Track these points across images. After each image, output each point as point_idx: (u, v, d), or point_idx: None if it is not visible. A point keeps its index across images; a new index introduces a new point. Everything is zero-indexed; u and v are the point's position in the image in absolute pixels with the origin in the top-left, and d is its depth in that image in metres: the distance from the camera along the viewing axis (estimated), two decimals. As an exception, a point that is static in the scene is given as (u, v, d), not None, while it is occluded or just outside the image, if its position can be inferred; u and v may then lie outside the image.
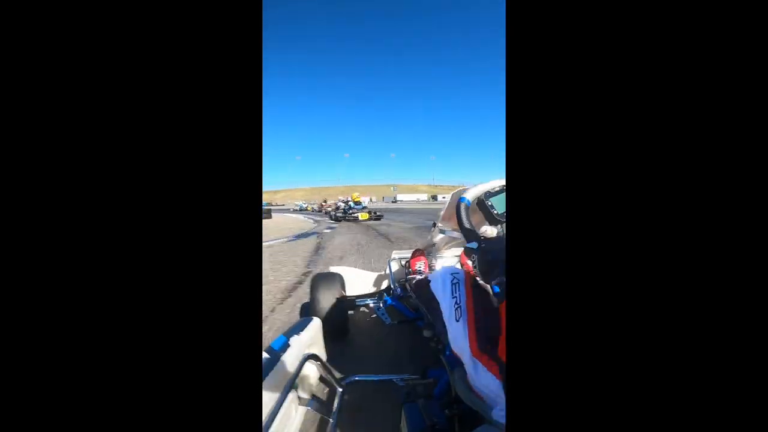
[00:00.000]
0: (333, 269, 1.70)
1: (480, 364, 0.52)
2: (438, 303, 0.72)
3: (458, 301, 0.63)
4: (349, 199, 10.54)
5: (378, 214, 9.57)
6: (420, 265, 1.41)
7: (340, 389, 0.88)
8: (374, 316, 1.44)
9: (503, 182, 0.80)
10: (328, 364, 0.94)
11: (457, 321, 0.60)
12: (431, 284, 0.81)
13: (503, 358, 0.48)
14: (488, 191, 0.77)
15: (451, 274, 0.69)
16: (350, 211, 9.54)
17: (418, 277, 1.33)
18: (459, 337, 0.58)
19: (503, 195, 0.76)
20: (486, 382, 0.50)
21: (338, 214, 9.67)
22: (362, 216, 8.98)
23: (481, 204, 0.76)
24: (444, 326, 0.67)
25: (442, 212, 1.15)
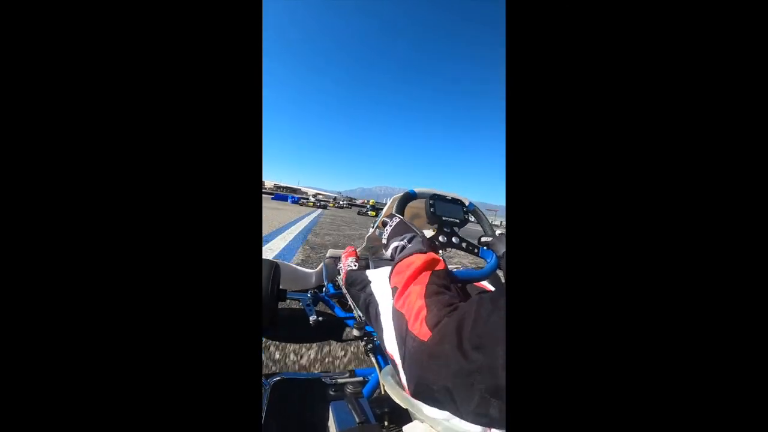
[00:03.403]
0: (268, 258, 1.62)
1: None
2: (377, 304, 0.75)
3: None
4: (368, 203, 22.07)
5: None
6: (350, 261, 1.42)
7: (266, 388, 0.86)
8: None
9: (456, 195, 0.89)
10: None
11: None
12: (371, 285, 0.83)
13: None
14: (437, 194, 0.84)
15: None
16: (366, 209, 18.99)
17: (347, 268, 1.33)
18: (392, 335, 0.60)
19: (449, 204, 0.84)
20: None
21: (362, 211, 18.48)
22: (371, 213, 18.29)
23: (426, 203, 0.83)
24: (379, 324, 0.70)
25: (383, 211, 1.18)
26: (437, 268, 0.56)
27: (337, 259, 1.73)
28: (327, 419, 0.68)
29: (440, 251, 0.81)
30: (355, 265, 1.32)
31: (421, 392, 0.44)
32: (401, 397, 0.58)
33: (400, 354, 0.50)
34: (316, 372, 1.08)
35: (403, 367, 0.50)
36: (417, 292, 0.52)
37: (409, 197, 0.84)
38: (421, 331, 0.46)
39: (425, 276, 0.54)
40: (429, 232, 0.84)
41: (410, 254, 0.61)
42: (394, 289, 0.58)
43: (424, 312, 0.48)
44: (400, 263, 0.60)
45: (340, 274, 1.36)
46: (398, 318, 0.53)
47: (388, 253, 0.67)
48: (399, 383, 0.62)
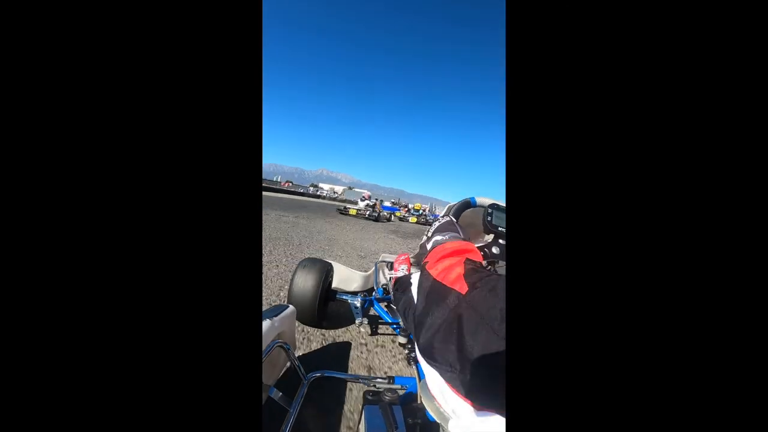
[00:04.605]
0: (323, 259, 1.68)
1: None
2: (415, 306, 0.71)
3: None
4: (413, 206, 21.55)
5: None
6: (403, 267, 1.39)
7: (305, 382, 0.86)
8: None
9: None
10: (295, 355, 0.91)
11: None
12: (412, 287, 0.80)
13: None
14: (497, 204, 0.79)
15: None
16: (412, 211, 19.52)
17: (399, 274, 1.30)
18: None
19: (503, 214, 0.77)
20: (442, 389, 0.49)
21: (405, 215, 18.66)
22: (415, 212, 19.44)
23: (484, 212, 0.77)
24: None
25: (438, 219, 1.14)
26: (472, 257, 0.51)
27: (388, 264, 1.71)
28: (359, 422, 0.65)
29: (491, 265, 0.74)
30: (408, 271, 1.29)
31: (433, 348, 0.41)
32: (436, 411, 0.53)
33: (421, 307, 0.47)
34: (355, 374, 1.06)
35: (420, 322, 0.46)
36: (452, 262, 0.49)
37: (467, 204, 0.79)
38: (460, 287, 0.42)
39: (461, 258, 0.50)
40: (481, 241, 0.78)
41: (446, 241, 0.57)
42: (424, 264, 0.54)
43: (462, 272, 0.45)
44: (435, 248, 0.57)
45: (389, 279, 1.33)
46: (426, 277, 0.51)
47: (429, 245, 0.63)
48: (431, 395, 0.56)
